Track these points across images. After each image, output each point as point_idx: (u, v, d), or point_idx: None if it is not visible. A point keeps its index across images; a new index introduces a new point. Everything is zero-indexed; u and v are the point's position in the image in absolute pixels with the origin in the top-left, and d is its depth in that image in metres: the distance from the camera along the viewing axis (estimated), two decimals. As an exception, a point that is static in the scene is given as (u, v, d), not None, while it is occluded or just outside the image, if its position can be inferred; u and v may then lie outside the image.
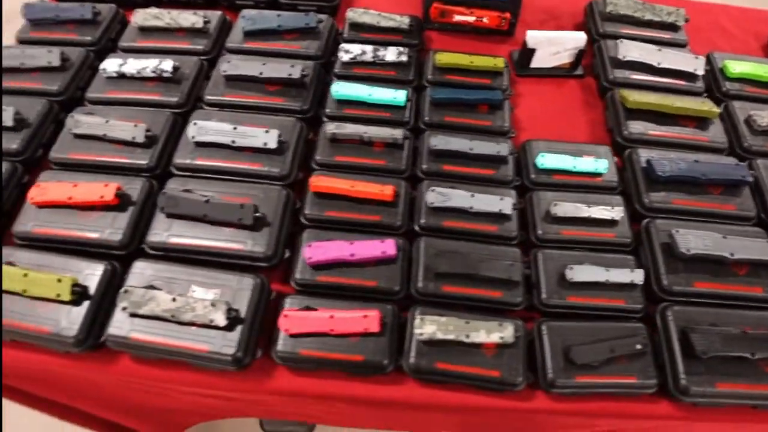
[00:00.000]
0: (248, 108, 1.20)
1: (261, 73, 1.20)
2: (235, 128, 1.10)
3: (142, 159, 1.10)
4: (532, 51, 1.34)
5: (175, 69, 1.22)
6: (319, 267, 0.99)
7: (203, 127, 1.11)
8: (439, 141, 1.13)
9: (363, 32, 1.35)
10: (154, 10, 1.34)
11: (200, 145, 1.11)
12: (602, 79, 1.35)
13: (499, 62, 1.28)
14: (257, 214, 1.00)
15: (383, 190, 1.05)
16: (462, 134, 1.17)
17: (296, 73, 1.19)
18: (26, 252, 1.00)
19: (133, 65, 1.21)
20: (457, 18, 1.40)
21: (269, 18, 1.33)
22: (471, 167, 1.14)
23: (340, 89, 1.19)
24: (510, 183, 1.15)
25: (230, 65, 1.22)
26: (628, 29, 1.44)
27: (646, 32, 1.44)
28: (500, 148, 1.14)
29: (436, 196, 1.06)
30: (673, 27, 1.45)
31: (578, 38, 1.35)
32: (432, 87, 1.25)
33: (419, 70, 1.31)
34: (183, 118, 1.19)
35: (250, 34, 1.32)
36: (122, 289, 0.93)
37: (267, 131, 1.10)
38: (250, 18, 1.33)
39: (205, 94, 1.22)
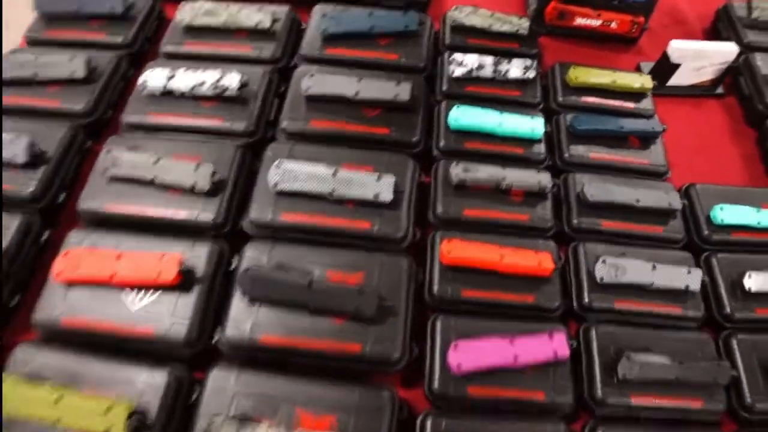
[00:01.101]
0: (342, 139, 0.87)
1: (357, 93, 0.87)
2: (334, 174, 0.78)
3: (206, 213, 0.77)
4: (674, 66, 1.04)
5: (243, 85, 0.88)
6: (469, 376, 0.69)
7: (290, 172, 0.78)
8: (598, 190, 0.82)
9: (470, 37, 1.02)
10: (207, 4, 0.99)
11: (284, 194, 0.79)
12: (756, 102, 1.05)
13: (647, 81, 0.97)
14: (380, 302, 0.70)
15: (542, 261, 0.75)
16: (616, 177, 0.87)
17: (405, 94, 0.87)
18: (54, 354, 0.68)
19: (184, 79, 0.87)
20: (579, 21, 1.08)
21: (358, 17, 0.98)
22: (634, 223, 0.84)
23: (462, 116, 0.87)
24: (679, 242, 0.86)
25: (314, 81, 0.88)
26: (775, 36, 1.14)
27: (797, 43, 1.15)
28: (670, 198, 0.84)
29: (608, 269, 0.76)
30: (826, 37, 1.16)
31: (729, 52, 1.04)
32: (567, 113, 0.94)
33: (544, 89, 1.00)
34: (254, 150, 0.87)
35: (332, 39, 0.98)
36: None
37: (378, 178, 0.78)
38: (333, 17, 0.99)
39: (283, 119, 0.88)
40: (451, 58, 0.95)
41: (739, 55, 1.07)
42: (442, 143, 0.88)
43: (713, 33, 1.20)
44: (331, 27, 0.97)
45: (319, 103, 0.88)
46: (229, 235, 0.78)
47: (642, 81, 0.97)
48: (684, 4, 1.26)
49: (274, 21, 0.98)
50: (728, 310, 0.79)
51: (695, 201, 0.88)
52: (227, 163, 0.81)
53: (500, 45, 1.02)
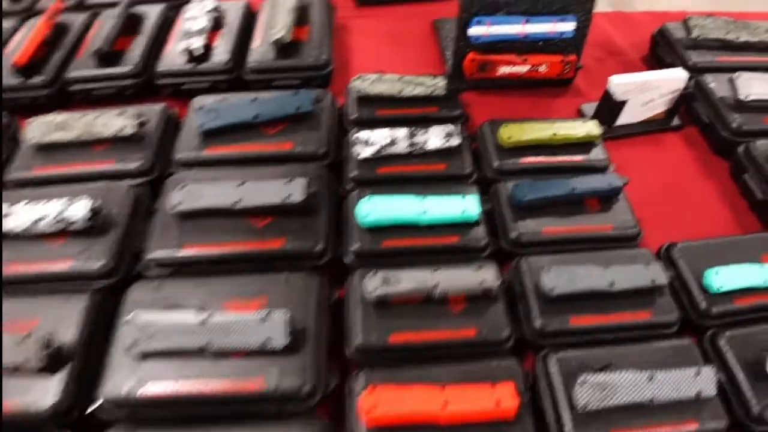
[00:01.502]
0: (226, 261, 0.67)
1: (238, 202, 0.68)
2: (208, 317, 0.58)
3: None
4: (620, 104, 0.88)
5: (94, 213, 0.68)
6: None
7: (149, 333, 0.58)
8: (559, 280, 0.62)
9: (380, 108, 0.86)
10: (57, 117, 0.81)
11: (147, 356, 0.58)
12: (719, 129, 0.89)
13: (592, 128, 0.80)
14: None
15: (501, 399, 0.54)
16: (580, 255, 0.68)
17: (298, 194, 0.68)
18: None
19: (21, 216, 0.68)
20: (504, 70, 0.92)
21: (240, 106, 0.80)
22: (613, 312, 0.64)
23: (373, 210, 0.68)
24: (673, 325, 0.66)
25: (185, 194, 0.69)
26: (724, 57, 1.00)
27: (746, 58, 1.00)
28: (652, 273, 0.65)
29: (590, 393, 0.56)
30: (774, 47, 1.03)
31: (677, 78, 0.89)
32: (506, 180, 0.76)
33: (476, 156, 0.83)
34: (115, 295, 0.66)
35: (211, 134, 0.80)
36: None
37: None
38: (210, 109, 0.80)
39: (150, 247, 0.68)
40: (354, 138, 0.77)
41: (689, 79, 0.92)
42: (354, 246, 0.68)
43: (654, 60, 1.06)
44: (209, 122, 0.79)
45: (194, 220, 0.69)
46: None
47: (587, 128, 0.80)
48: (616, 34, 1.13)
49: (141, 124, 0.79)
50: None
51: (681, 267, 0.69)
52: (71, 323, 0.60)
53: (417, 111, 0.85)
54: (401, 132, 0.76)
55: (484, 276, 0.62)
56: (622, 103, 0.87)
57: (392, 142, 0.76)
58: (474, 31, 0.87)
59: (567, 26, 0.88)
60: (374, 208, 0.67)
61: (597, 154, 0.80)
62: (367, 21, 1.15)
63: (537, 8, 0.87)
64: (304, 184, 0.68)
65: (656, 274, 0.64)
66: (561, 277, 0.62)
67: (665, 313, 0.65)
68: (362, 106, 0.85)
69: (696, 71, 0.96)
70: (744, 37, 0.99)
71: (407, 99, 0.85)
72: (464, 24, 0.88)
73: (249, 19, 1.06)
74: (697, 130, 0.94)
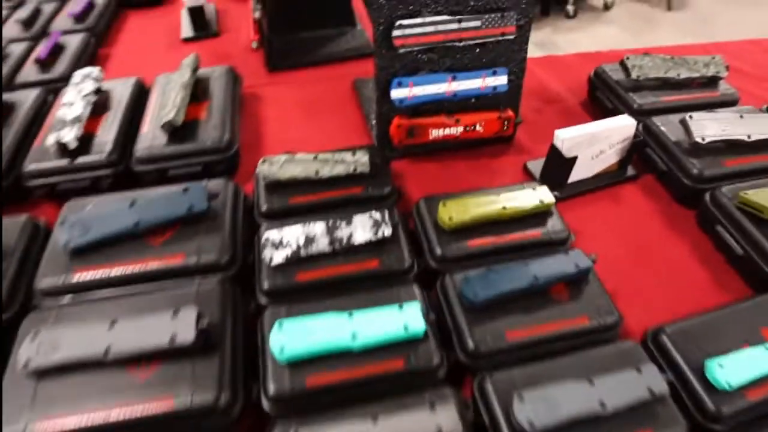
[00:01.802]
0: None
1: (108, 350, 0.50)
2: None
3: None
4: (571, 161, 0.77)
5: None
6: None
7: None
8: (539, 413, 0.48)
9: (294, 196, 0.70)
10: None
11: None
12: (681, 176, 0.79)
13: (545, 195, 0.68)
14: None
15: None
16: (556, 362, 0.54)
17: (187, 332, 0.51)
18: None
19: None
20: (437, 134, 0.80)
21: (115, 213, 0.63)
22: (607, 437, 0.50)
23: (289, 341, 0.50)
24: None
25: (39, 344, 0.50)
26: (668, 96, 0.92)
27: (690, 95, 0.93)
28: (648, 379, 0.51)
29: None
30: (714, 81, 0.96)
31: (626, 126, 0.79)
32: (453, 271, 0.62)
33: (415, 240, 0.68)
34: None
35: (81, 253, 0.62)
36: None
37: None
38: (77, 221, 0.62)
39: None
40: (264, 240, 0.61)
41: (637, 124, 0.82)
42: (271, 388, 0.51)
43: (593, 104, 0.97)
44: (76, 238, 0.61)
45: (54, 378, 0.50)
46: None
47: (538, 196, 0.67)
48: (550, 80, 1.04)
49: (-17, 251, 0.61)
50: None
51: (677, 359, 0.56)
52: None
53: (339, 194, 0.70)
54: (318, 227, 0.61)
55: (442, 420, 0.46)
56: (573, 160, 0.76)
57: (310, 241, 0.60)
58: (396, 93, 0.75)
59: (499, 80, 0.77)
60: (290, 339, 0.50)
61: (554, 225, 0.67)
62: (281, 88, 1.01)
63: (463, 63, 0.76)
64: (193, 316, 0.51)
65: (653, 381, 0.50)
66: (539, 407, 0.47)
67: (669, 426, 0.51)
68: (273, 195, 0.70)
69: (641, 114, 0.87)
70: (684, 73, 0.92)
71: (326, 181, 0.70)
72: (384, 86, 0.75)
73: (140, 99, 0.90)
74: (653, 177, 0.84)
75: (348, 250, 0.61)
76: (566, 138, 0.75)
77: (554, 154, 0.76)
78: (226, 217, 0.66)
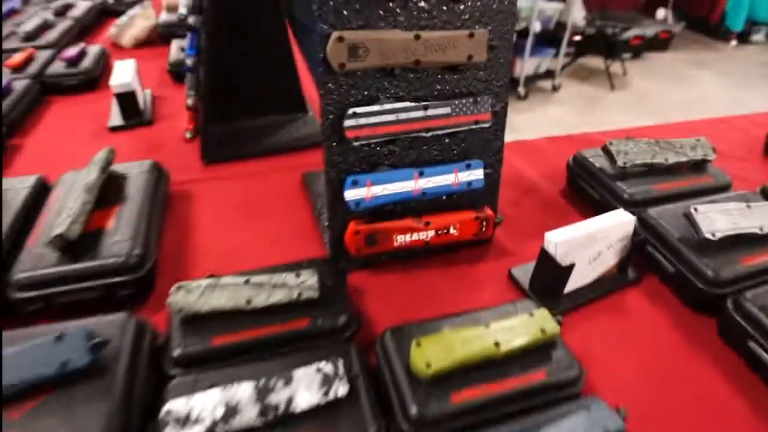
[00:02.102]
0: None
1: None
2: None
3: None
4: (567, 270, 0.63)
5: None
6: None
7: None
8: None
9: (218, 334, 0.50)
10: None
11: None
12: (696, 281, 0.65)
13: (547, 323, 0.52)
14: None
15: None
16: None
17: None
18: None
19: None
20: (402, 239, 0.64)
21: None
22: None
23: None
24: None
25: None
26: (660, 184, 0.81)
27: (682, 182, 0.82)
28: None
29: None
30: (703, 164, 0.86)
31: (624, 222, 0.66)
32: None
33: (381, 396, 0.50)
34: None
35: None
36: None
37: None
38: None
39: None
40: (164, 414, 0.42)
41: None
42: None
43: (574, 193, 0.85)
44: None
45: None
46: None
47: (539, 323, 0.51)
48: (524, 167, 0.93)
49: None
50: None
51: None
52: None
53: (278, 330, 0.53)
54: (244, 390, 0.43)
55: None
56: (570, 268, 0.61)
57: (232, 412, 0.42)
58: (351, 194, 0.60)
59: (474, 174, 0.64)
60: None
61: (561, 360, 0.51)
62: (217, 185, 0.85)
63: (431, 156, 0.63)
64: None
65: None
66: None
67: None
68: (190, 334, 0.51)
69: (634, 205, 0.75)
70: (672, 158, 0.81)
71: (262, 312, 0.53)
72: (336, 186, 0.61)
73: (37, 203, 0.72)
74: (657, 279, 0.71)
75: (286, 422, 0.43)
76: (560, 242, 0.61)
77: (546, 261, 0.62)
78: (118, 374, 0.46)
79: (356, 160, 0.60)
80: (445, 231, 0.64)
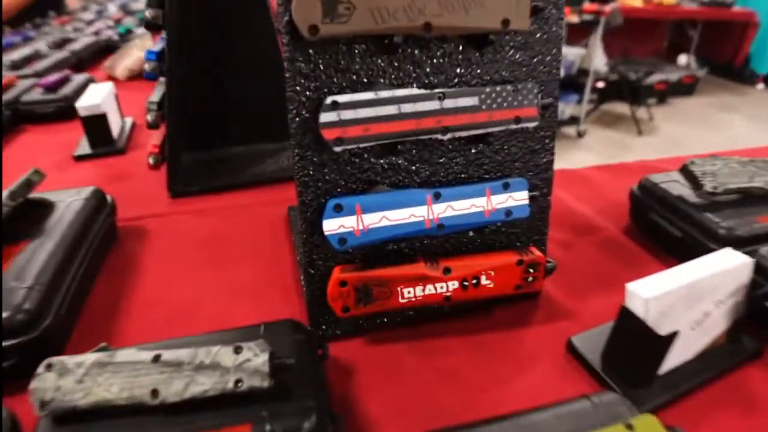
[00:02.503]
0: None
1: None
2: None
3: None
4: (667, 341, 0.41)
5: None
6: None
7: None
8: None
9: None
10: None
11: None
12: None
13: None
14: None
15: None
16: None
17: None
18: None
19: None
20: (410, 294, 0.43)
21: None
22: None
23: None
24: None
25: None
26: (764, 216, 0.59)
27: (789, 214, 0.60)
28: None
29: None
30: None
31: (738, 266, 0.45)
32: None
33: None
34: None
35: None
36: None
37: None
38: None
39: None
40: None
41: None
42: None
43: (643, 230, 0.63)
44: None
45: None
46: None
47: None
48: (573, 201, 0.71)
49: None
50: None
51: None
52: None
53: (199, 444, 0.32)
54: None
55: None
56: (670, 338, 0.39)
57: None
58: (333, 226, 0.40)
59: (515, 198, 0.43)
60: None
61: None
62: (183, 220, 0.66)
63: (453, 172, 0.43)
64: None
65: None
66: None
67: None
68: (52, 452, 0.31)
69: (731, 243, 0.52)
70: (758, 179, 0.60)
71: (175, 408, 0.32)
72: (313, 216, 0.41)
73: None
74: (786, 354, 0.47)
75: None
76: (652, 298, 0.39)
77: (630, 326, 0.39)
78: None
79: (341, 176, 0.40)
80: (474, 282, 0.43)
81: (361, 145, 0.38)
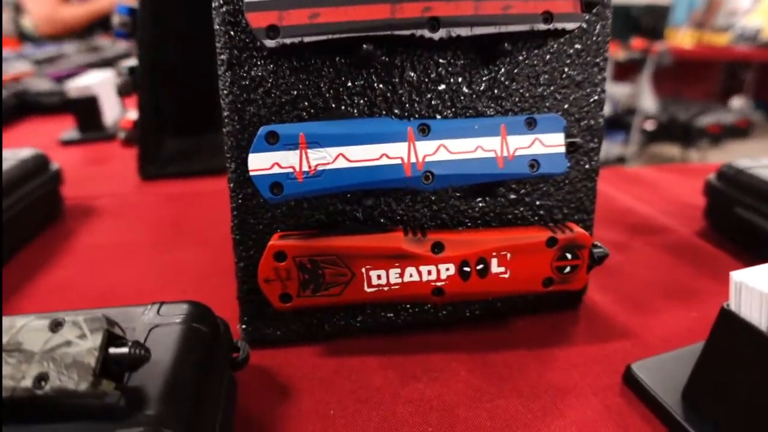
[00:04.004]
0: None
1: None
2: None
3: None
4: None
5: None
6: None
7: None
8: None
9: None
10: None
11: None
12: None
13: None
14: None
15: None
16: None
17: None
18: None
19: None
20: (381, 282, 0.28)
21: None
22: None
23: None
24: None
25: None
26: None
27: None
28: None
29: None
30: None
31: None
32: None
33: None
34: None
35: None
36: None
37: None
38: None
39: None
40: None
41: None
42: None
43: (726, 234, 0.47)
44: None
45: None
46: None
47: None
48: (630, 200, 0.54)
49: None
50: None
51: None
52: None
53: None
54: None
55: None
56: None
57: None
58: (264, 163, 0.26)
59: (547, 141, 0.29)
60: None
61: None
62: (142, 202, 0.53)
63: (449, 91, 0.29)
64: None
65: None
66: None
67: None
68: None
69: None
70: None
71: None
72: (241, 152, 0.28)
73: None
74: None
75: None
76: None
77: (739, 342, 0.23)
78: None
79: (282, 91, 0.27)
80: (480, 268, 0.28)
81: (306, 40, 0.24)
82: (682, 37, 3.75)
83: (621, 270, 0.39)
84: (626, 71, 3.23)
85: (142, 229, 0.49)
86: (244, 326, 0.31)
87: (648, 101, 3.35)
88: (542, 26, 0.26)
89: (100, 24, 1.88)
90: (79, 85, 0.74)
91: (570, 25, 0.26)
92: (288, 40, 0.24)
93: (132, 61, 0.57)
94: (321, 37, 0.24)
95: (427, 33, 0.25)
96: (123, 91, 0.55)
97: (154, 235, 0.48)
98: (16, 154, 0.47)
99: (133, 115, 0.60)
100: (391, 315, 0.31)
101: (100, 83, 0.77)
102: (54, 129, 0.85)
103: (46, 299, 0.38)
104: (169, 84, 0.63)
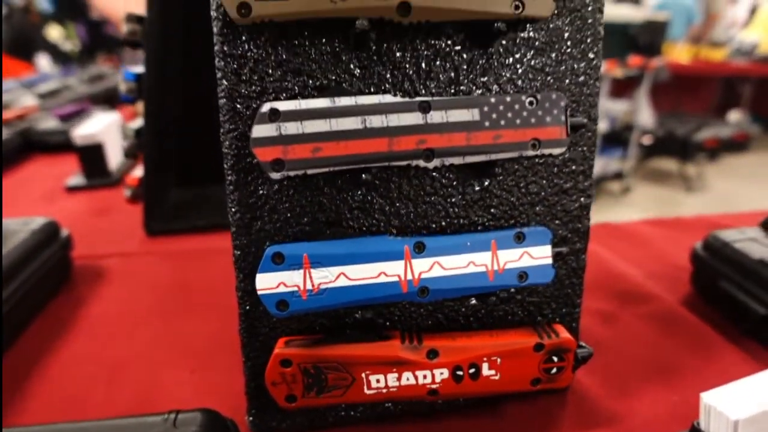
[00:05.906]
0: None
1: None
2: None
3: None
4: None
5: None
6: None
7: None
8: None
9: None
10: None
11: None
12: None
13: None
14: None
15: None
16: None
17: None
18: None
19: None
20: (380, 385, 0.30)
21: None
22: None
23: None
24: None
25: None
26: None
27: None
28: None
29: None
30: None
31: None
32: None
33: None
34: None
35: None
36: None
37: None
38: None
39: None
40: None
41: None
42: None
43: (712, 303, 0.49)
44: None
45: None
46: None
47: None
48: (619, 262, 0.56)
49: None
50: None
51: None
52: None
53: None
54: None
55: None
56: (775, 494, 0.25)
57: None
58: (271, 283, 0.28)
59: (534, 254, 0.31)
60: None
61: None
62: (150, 262, 0.56)
63: (442, 212, 0.31)
64: None
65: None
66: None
67: None
68: None
69: None
70: None
71: None
72: (251, 269, 0.30)
73: None
74: None
75: None
76: (744, 419, 0.24)
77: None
78: None
79: (287, 214, 0.29)
80: (472, 372, 0.30)
81: (309, 172, 0.27)
82: (679, 53, 3.79)
83: (608, 347, 0.41)
84: (624, 87, 3.27)
85: (149, 294, 0.51)
86: (251, 418, 0.33)
87: (646, 116, 3.38)
88: (530, 152, 0.28)
89: (102, 45, 1.91)
90: (84, 133, 0.76)
91: (557, 150, 0.28)
92: (292, 173, 0.26)
93: (138, 122, 0.60)
94: (323, 170, 0.27)
95: (422, 163, 0.27)
96: (130, 154, 0.57)
97: (162, 301, 0.50)
98: (28, 224, 0.49)
99: (139, 172, 0.62)
100: (389, 405, 0.33)
101: (105, 129, 0.79)
102: (59, 171, 0.87)
103: (60, 375, 0.40)
104: (174, 135, 0.65)
